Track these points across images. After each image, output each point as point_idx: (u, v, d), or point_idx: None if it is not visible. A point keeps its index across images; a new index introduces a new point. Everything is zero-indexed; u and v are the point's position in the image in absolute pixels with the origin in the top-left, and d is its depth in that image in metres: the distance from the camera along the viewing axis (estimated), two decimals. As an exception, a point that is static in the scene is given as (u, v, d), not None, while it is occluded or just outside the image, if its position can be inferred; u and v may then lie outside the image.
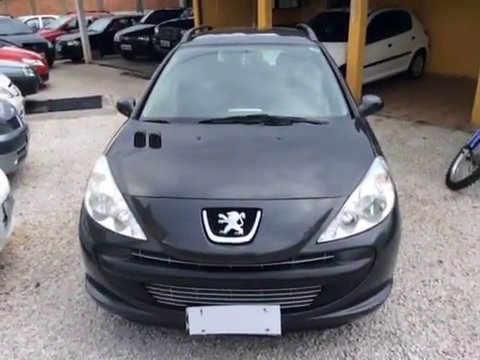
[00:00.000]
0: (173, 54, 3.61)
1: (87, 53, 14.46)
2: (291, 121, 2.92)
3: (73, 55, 14.62)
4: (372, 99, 3.19)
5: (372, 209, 2.27)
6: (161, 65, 3.52)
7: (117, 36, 14.19)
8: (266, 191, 2.30)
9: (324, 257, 2.13)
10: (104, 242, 2.28)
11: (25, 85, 7.53)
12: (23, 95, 6.93)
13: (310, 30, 3.98)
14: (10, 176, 3.97)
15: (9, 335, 2.65)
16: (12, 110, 4.91)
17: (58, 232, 3.81)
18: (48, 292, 3.03)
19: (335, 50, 5.66)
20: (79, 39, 14.34)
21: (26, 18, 19.15)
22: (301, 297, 2.18)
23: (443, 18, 9.29)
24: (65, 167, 5.29)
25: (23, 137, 4.77)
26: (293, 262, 2.11)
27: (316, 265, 2.13)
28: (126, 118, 3.20)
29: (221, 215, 2.14)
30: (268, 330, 2.15)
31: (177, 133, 2.95)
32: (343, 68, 7.46)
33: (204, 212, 2.16)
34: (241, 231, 2.10)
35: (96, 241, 2.30)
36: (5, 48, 9.69)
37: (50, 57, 12.14)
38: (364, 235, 2.20)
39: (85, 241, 2.36)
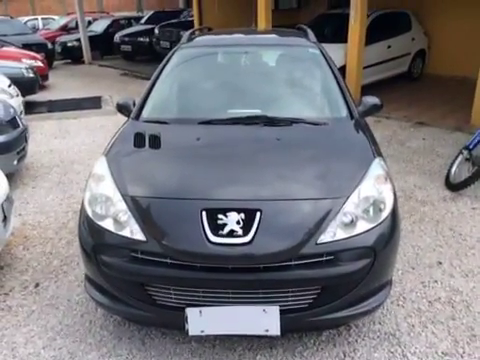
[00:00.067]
0: (173, 55, 3.62)
1: (87, 54, 14.46)
2: (290, 122, 2.93)
3: (73, 56, 14.62)
4: (371, 100, 3.19)
5: (371, 210, 2.28)
6: (161, 66, 3.53)
7: (117, 37, 14.19)
8: (265, 192, 2.31)
9: (323, 258, 2.13)
10: (103, 243, 2.28)
11: (25, 86, 7.53)
12: (23, 95, 6.92)
13: (310, 31, 3.98)
14: (9, 176, 3.97)
15: (8, 335, 2.65)
16: (12, 110, 4.91)
17: (57, 232, 3.81)
18: (47, 292, 3.03)
19: (335, 51, 5.67)
20: (79, 40, 14.35)
21: (26, 18, 19.17)
22: (300, 298, 2.18)
23: (442, 19, 9.30)
24: (64, 167, 5.29)
25: (23, 137, 4.77)
26: (292, 263, 2.11)
27: (315, 266, 2.13)
28: (126, 119, 3.21)
29: (220, 216, 2.14)
30: (267, 331, 2.15)
31: (176, 134, 2.95)
32: (342, 69, 7.46)
33: (203, 213, 2.16)
34: (240, 232, 2.10)
35: (95, 241, 2.30)
36: (5, 48, 9.69)
37: (50, 58, 12.14)
38: (363, 236, 2.20)
39: (84, 241, 2.36)
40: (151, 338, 2.58)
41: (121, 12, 22.22)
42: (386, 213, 2.29)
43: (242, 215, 2.14)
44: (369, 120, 3.31)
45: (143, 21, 15.71)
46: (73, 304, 2.90)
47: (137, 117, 3.14)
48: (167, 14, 15.24)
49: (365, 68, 7.85)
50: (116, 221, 2.27)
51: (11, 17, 15.07)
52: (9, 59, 8.65)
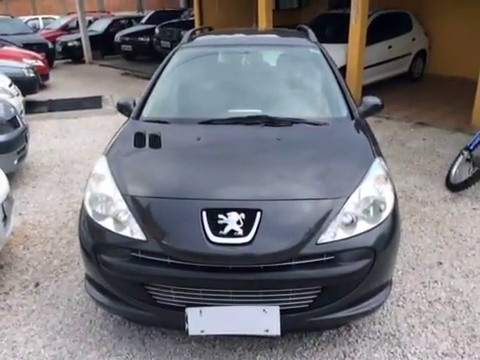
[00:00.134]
0: (173, 55, 3.62)
1: (87, 53, 14.46)
2: (291, 122, 2.93)
3: (73, 55, 14.61)
4: (372, 100, 3.19)
5: (372, 210, 2.28)
6: (161, 65, 3.53)
7: (118, 36, 14.19)
8: (266, 192, 2.30)
9: (324, 258, 2.13)
10: (104, 242, 2.28)
11: (25, 85, 7.53)
12: (23, 95, 6.93)
13: (310, 31, 3.98)
14: (10, 176, 3.97)
15: (8, 334, 2.65)
16: (12, 110, 4.91)
17: (58, 232, 3.81)
18: (47, 292, 3.03)
19: (335, 51, 5.67)
20: (79, 39, 14.34)
21: (27, 18, 19.17)
22: (301, 298, 2.18)
23: (443, 20, 9.30)
24: (65, 167, 5.29)
25: (23, 137, 4.78)
26: (293, 263, 2.11)
27: (316, 266, 2.13)
28: (126, 118, 3.21)
29: (221, 216, 2.14)
30: (267, 331, 2.15)
31: (177, 133, 2.95)
32: (343, 69, 7.46)
33: (204, 213, 2.16)
34: (241, 232, 2.10)
35: (96, 241, 2.30)
36: (5, 48, 9.70)
37: (50, 57, 12.13)
38: (364, 236, 2.20)
39: (85, 241, 2.36)
40: (151, 338, 2.58)
41: (122, 12, 22.22)
42: (386, 213, 2.29)
43: (242, 215, 2.14)
44: (370, 120, 3.31)
45: (144, 21, 15.70)
46: (73, 304, 2.90)
47: (137, 117, 3.14)
48: (168, 14, 15.24)
49: (366, 68, 7.85)
50: (116, 221, 2.27)
51: (12, 17, 15.08)
52: (10, 59, 8.66)
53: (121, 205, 2.29)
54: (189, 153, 2.70)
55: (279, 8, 12.85)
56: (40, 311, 2.84)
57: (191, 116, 3.12)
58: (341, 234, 2.17)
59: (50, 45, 12.79)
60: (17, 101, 6.24)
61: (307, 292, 2.18)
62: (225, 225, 2.12)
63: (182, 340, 2.56)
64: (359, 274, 2.18)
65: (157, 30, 12.87)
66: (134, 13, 21.74)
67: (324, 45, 3.72)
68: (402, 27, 8.82)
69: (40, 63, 9.64)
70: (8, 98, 5.89)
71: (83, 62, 14.48)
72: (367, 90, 7.25)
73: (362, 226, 2.21)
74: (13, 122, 4.71)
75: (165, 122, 3.05)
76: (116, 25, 15.56)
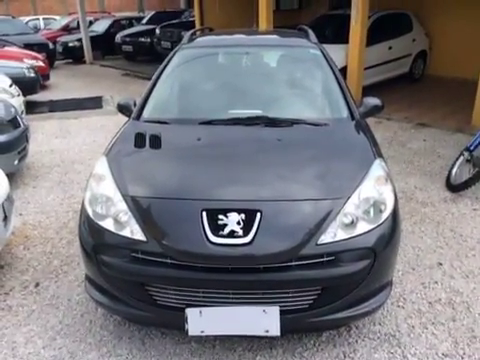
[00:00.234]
0: (174, 55, 3.62)
1: (88, 54, 14.47)
2: (291, 123, 2.93)
3: (74, 56, 14.62)
4: (372, 101, 3.19)
5: (372, 211, 2.28)
6: (162, 66, 3.53)
7: (118, 37, 14.20)
8: (266, 192, 2.31)
9: (324, 259, 2.13)
10: (104, 243, 2.29)
11: (26, 85, 7.54)
12: (24, 95, 6.93)
13: (311, 32, 3.98)
14: (10, 176, 3.98)
15: (8, 335, 2.65)
16: (13, 110, 4.91)
17: (58, 232, 3.81)
18: (47, 292, 3.03)
19: (336, 52, 5.67)
20: (80, 40, 14.35)
21: (27, 18, 19.18)
22: (300, 298, 2.18)
23: (444, 20, 9.30)
24: (65, 167, 5.29)
25: (23, 137, 4.78)
26: (293, 263, 2.11)
27: (316, 266, 2.13)
28: (126, 119, 3.21)
29: (221, 216, 2.14)
30: (267, 331, 2.15)
31: (177, 134, 2.95)
32: (344, 70, 7.47)
33: (204, 213, 2.16)
34: (241, 232, 2.10)
35: (96, 241, 2.30)
36: (6, 48, 9.70)
37: (51, 57, 12.14)
38: (364, 237, 2.20)
39: (85, 241, 2.36)
40: (151, 338, 2.58)
41: (122, 12, 22.24)
42: (386, 214, 2.29)
43: (242, 215, 2.14)
44: (370, 121, 3.31)
45: (144, 21, 15.71)
46: (73, 304, 2.90)
47: (138, 117, 3.14)
48: (168, 14, 15.25)
49: (366, 69, 7.85)
50: (116, 221, 2.27)
51: (13, 17, 15.08)
52: (10, 59, 8.67)
53: (121, 205, 2.29)
54: (189, 154, 2.70)
55: (279, 9, 12.85)
56: (40, 311, 2.84)
57: (191, 117, 3.12)
58: (341, 235, 2.17)
59: (51, 45, 12.79)
60: (18, 101, 6.25)
61: (307, 293, 2.17)
62: (225, 225, 2.12)
63: (182, 340, 2.55)
64: (359, 275, 2.18)
65: (158, 31, 12.88)
66: (135, 14, 21.77)
67: (324, 46, 3.72)
68: (402, 28, 8.82)
69: (41, 63, 9.65)
70: (9, 98, 5.90)
71: (84, 62, 14.49)
72: (367, 91, 7.26)
73: (362, 227, 2.21)
74: (14, 122, 4.72)
75: (165, 122, 3.06)
76: (117, 25, 15.57)
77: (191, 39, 3.92)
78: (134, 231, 2.21)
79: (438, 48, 9.54)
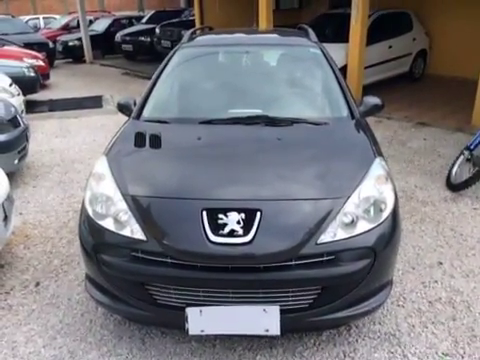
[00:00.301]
0: (174, 54, 3.61)
1: (88, 53, 14.46)
2: (291, 122, 2.93)
3: (74, 55, 14.62)
4: (372, 100, 3.19)
5: (372, 210, 2.27)
6: (162, 65, 3.53)
7: (118, 36, 14.19)
8: (266, 192, 2.30)
9: (324, 258, 2.13)
10: (104, 242, 2.29)
11: (26, 85, 7.54)
12: (24, 95, 6.94)
13: (311, 31, 3.98)
14: (10, 175, 3.97)
15: (8, 334, 2.65)
16: (13, 109, 4.91)
17: (58, 232, 3.81)
18: (48, 291, 3.03)
19: (336, 51, 5.67)
20: (80, 39, 14.34)
21: (27, 18, 19.16)
22: (301, 298, 2.18)
23: (444, 19, 9.29)
24: (65, 167, 5.29)
25: (24, 136, 4.78)
26: (293, 263, 2.11)
27: (316, 266, 2.13)
28: (126, 118, 3.21)
29: (221, 215, 2.14)
30: (267, 331, 2.15)
31: (177, 133, 2.95)
32: (344, 69, 7.46)
33: (204, 212, 2.16)
34: (241, 231, 2.10)
35: (96, 241, 2.30)
36: (6, 47, 9.70)
37: (51, 57, 12.12)
38: (364, 236, 2.20)
39: (85, 241, 2.36)
40: (151, 337, 2.58)
41: (122, 11, 22.24)
42: (387, 213, 2.29)
43: (242, 215, 2.14)
44: (370, 120, 3.31)
45: (144, 20, 15.71)
46: (73, 303, 2.90)
47: (138, 116, 3.14)
48: (168, 13, 15.25)
49: (366, 68, 7.85)
50: (116, 220, 2.27)
51: (12, 16, 15.09)
52: (10, 58, 8.66)
53: (121, 205, 2.29)
54: (189, 153, 2.70)
55: (279, 8, 12.85)
56: (40, 311, 2.84)
57: (191, 116, 3.12)
58: (341, 234, 2.17)
59: (51, 45, 12.79)
60: (18, 101, 6.25)
61: (307, 292, 2.17)
62: (225, 225, 2.12)
63: (182, 340, 2.56)
64: (359, 274, 2.18)
65: (158, 30, 12.87)
66: (135, 13, 21.75)
67: (324, 45, 3.71)
68: (403, 27, 8.82)
69: (41, 63, 9.65)
70: (9, 97, 5.89)
71: (84, 62, 14.48)
72: (367, 90, 7.25)
73: (362, 226, 2.21)
74: (14, 122, 4.72)
75: (165, 122, 3.05)
76: (117, 25, 15.56)
77: (191, 38, 3.92)
78: (134, 230, 2.21)
79: (438, 47, 9.53)
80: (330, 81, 3.33)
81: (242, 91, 3.36)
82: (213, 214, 2.15)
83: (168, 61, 3.55)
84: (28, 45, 11.00)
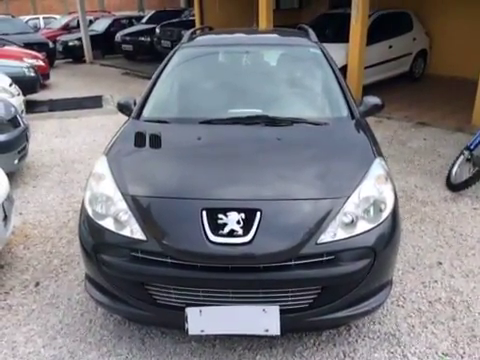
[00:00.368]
0: (174, 54, 3.61)
1: (88, 53, 14.46)
2: (291, 122, 2.92)
3: (74, 55, 14.62)
4: (372, 100, 3.19)
5: (372, 210, 2.27)
6: (162, 65, 3.52)
7: (118, 36, 14.19)
8: (266, 192, 2.30)
9: (324, 258, 2.13)
10: (104, 242, 2.29)
11: (26, 85, 7.53)
12: (24, 95, 6.93)
13: (311, 31, 3.98)
14: (10, 175, 3.97)
15: (8, 334, 2.65)
16: (13, 109, 4.91)
17: (58, 231, 3.81)
18: (48, 291, 3.03)
19: (336, 51, 5.67)
20: (80, 39, 14.34)
21: (27, 18, 19.17)
22: (300, 298, 2.18)
23: (444, 19, 9.29)
24: (65, 167, 5.29)
25: (23, 136, 4.78)
26: (293, 263, 2.11)
27: (316, 266, 2.13)
28: (126, 118, 3.20)
29: (221, 215, 2.14)
30: (267, 331, 2.15)
31: (177, 133, 2.95)
32: (344, 69, 7.47)
33: (204, 212, 2.16)
34: (240, 231, 2.10)
35: (96, 241, 2.30)
36: (6, 47, 9.70)
37: (51, 57, 12.12)
38: (364, 236, 2.20)
39: (85, 241, 2.36)
40: (151, 337, 2.58)
41: (122, 11, 22.24)
42: (386, 213, 2.29)
43: (242, 215, 2.13)
44: (370, 120, 3.31)
45: (144, 20, 15.71)
46: (73, 303, 2.90)
47: (138, 116, 3.14)
48: (168, 13, 15.25)
49: (366, 68, 7.85)
50: (116, 220, 2.27)
51: (12, 16, 15.09)
52: (10, 58, 8.66)
53: (121, 205, 2.29)
54: (189, 153, 2.70)
55: (280, 8, 12.85)
56: (40, 311, 2.84)
57: (191, 116, 3.12)
58: (341, 234, 2.17)
59: (51, 45, 12.79)
60: (18, 100, 6.25)
61: (307, 292, 2.17)
62: (225, 225, 2.11)
63: (182, 340, 2.56)
64: (359, 274, 2.18)
65: (158, 30, 12.87)
66: (135, 13, 21.75)
67: (325, 45, 3.71)
68: (403, 27, 8.82)
69: (41, 62, 9.65)
70: (9, 97, 5.89)
71: (84, 62, 14.48)
72: (368, 90, 7.25)
73: (362, 226, 2.21)
74: (14, 121, 4.72)
75: (165, 122, 3.05)
76: (117, 25, 15.56)
77: (191, 38, 3.91)
78: (134, 230, 2.21)
79: (438, 47, 9.53)
80: (330, 81, 3.33)
81: (242, 91, 3.36)
82: (213, 214, 2.15)
83: (168, 61, 3.55)
84: (28, 45, 11.01)
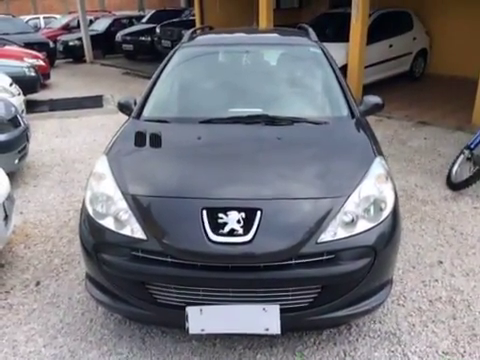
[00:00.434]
0: (174, 54, 3.61)
1: (88, 53, 14.46)
2: (291, 121, 2.92)
3: (74, 55, 14.62)
4: (373, 99, 3.19)
5: (372, 209, 2.28)
6: (162, 65, 3.53)
7: (119, 36, 14.19)
8: (266, 191, 2.30)
9: (324, 257, 2.13)
10: (104, 241, 2.29)
11: (26, 84, 7.54)
12: (24, 94, 6.94)
13: (311, 30, 3.98)
14: (11, 175, 3.98)
15: (9, 333, 2.66)
16: (13, 109, 4.92)
17: (58, 231, 3.81)
18: (48, 291, 3.03)
19: (336, 50, 5.66)
20: (80, 39, 14.33)
21: (28, 17, 19.16)
22: (301, 297, 2.18)
23: (444, 19, 9.29)
24: (66, 166, 5.30)
25: (24, 136, 4.78)
26: (293, 262, 2.11)
27: (316, 265, 2.13)
28: (127, 118, 3.21)
29: (221, 215, 2.14)
30: (267, 330, 2.15)
31: (177, 133, 2.95)
32: (344, 68, 7.46)
33: (204, 211, 2.16)
34: (241, 231, 2.10)
35: (96, 240, 2.30)
36: (7, 47, 9.70)
37: (51, 56, 12.13)
38: (364, 235, 2.20)
39: (85, 240, 2.36)
40: (152, 337, 2.59)
41: (123, 11, 22.21)
42: (387, 212, 2.29)
43: (243, 214, 2.14)
44: (370, 119, 3.31)
45: (145, 20, 15.71)
46: (74, 302, 2.90)
47: (138, 116, 3.14)
48: (168, 13, 15.25)
49: (366, 67, 7.85)
50: (117, 220, 2.27)
51: (13, 16, 15.09)
52: (11, 58, 8.66)
53: (121, 204, 2.30)
54: (189, 152, 2.70)
55: (280, 7, 12.84)
56: (41, 310, 2.85)
57: (192, 115, 3.12)
58: (341, 233, 2.17)
59: (51, 44, 12.78)
60: (18, 100, 6.25)
61: (307, 291, 2.18)
62: (225, 224, 2.12)
63: (182, 339, 2.56)
64: (359, 273, 2.18)
65: (158, 29, 12.88)
66: (135, 12, 21.71)
67: (325, 44, 3.71)
68: (403, 26, 8.81)
69: (41, 62, 9.65)
70: (9, 97, 5.90)
71: (84, 61, 14.48)
72: (368, 89, 7.24)
73: (362, 225, 2.21)
74: (14, 121, 4.72)
75: (166, 121, 3.05)
76: (117, 24, 15.56)
77: (191, 38, 3.92)
78: (134, 230, 2.21)
79: (439, 46, 9.53)
80: (330, 80, 3.33)
81: (242, 90, 3.36)
82: (213, 213, 2.15)
83: (168, 61, 3.55)
84: (28, 45, 11.01)
